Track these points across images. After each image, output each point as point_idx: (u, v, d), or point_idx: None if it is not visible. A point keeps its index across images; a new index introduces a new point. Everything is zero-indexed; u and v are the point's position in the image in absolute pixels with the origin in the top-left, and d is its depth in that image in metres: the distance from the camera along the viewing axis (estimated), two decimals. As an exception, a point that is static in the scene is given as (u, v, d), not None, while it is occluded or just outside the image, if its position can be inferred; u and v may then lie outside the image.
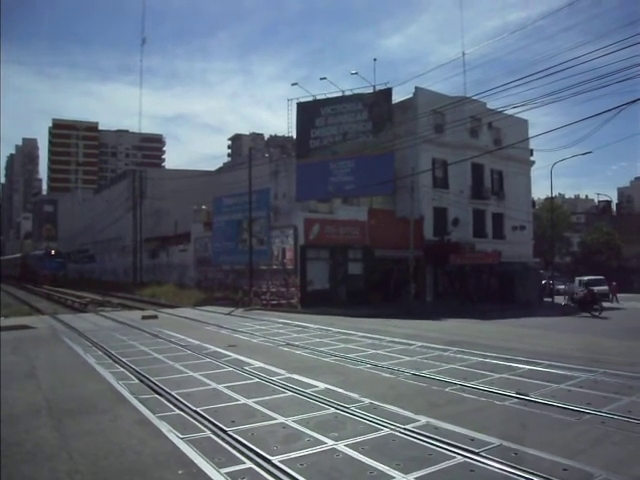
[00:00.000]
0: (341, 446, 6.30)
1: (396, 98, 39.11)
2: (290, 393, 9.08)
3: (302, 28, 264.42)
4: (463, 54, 39.85)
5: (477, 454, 5.96)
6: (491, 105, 32.22)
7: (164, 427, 7.10)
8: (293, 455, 6.00)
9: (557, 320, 27.08)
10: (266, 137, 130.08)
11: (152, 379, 10.10)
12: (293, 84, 40.96)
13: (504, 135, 40.98)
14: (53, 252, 66.13)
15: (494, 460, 5.77)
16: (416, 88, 38.84)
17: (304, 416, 7.58)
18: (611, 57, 17.40)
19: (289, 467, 5.63)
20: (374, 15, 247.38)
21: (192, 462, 5.85)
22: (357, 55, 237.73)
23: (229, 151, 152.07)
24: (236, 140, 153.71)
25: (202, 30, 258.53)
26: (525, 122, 42.60)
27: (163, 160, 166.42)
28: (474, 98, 29.79)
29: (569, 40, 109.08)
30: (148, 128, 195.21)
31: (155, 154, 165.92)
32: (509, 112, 28.01)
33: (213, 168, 71.18)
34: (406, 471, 5.51)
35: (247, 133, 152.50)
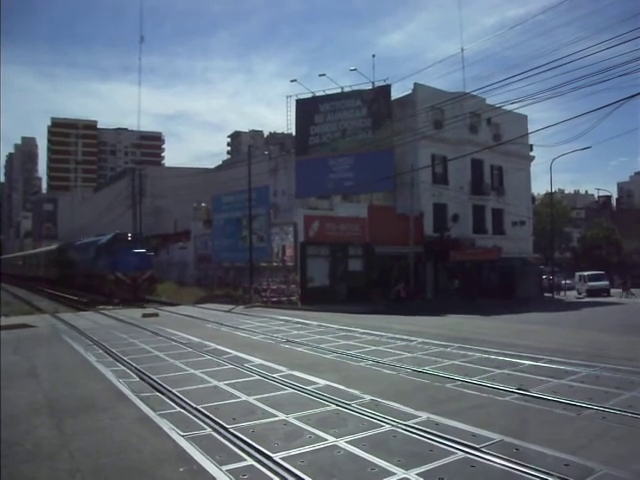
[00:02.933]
0: (342, 443, 6.30)
1: (396, 95, 39.13)
2: (291, 390, 9.08)
3: (303, 26, 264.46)
4: (462, 50, 39.64)
5: (478, 450, 5.96)
6: (490, 101, 32.18)
7: (165, 425, 7.10)
8: (294, 452, 6.01)
9: (557, 315, 27.07)
10: (265, 134, 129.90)
11: (153, 377, 10.10)
12: (292, 81, 40.55)
13: (503, 131, 40.92)
14: (130, 237, 36.14)
15: (495, 456, 5.76)
16: (415, 84, 38.80)
17: (305, 413, 7.58)
18: (611, 51, 17.37)
19: (290, 464, 5.63)
20: (374, 13, 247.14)
21: (193, 459, 5.86)
22: (357, 52, 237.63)
23: (228, 148, 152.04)
24: (235, 137, 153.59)
25: (203, 29, 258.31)
26: (524, 117, 42.49)
27: (163, 158, 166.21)
28: (473, 94, 29.72)
29: (568, 35, 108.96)
30: (149, 126, 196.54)
31: (154, 152, 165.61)
32: (508, 107, 27.98)
33: (213, 166, 71.10)
34: (407, 467, 5.51)
35: (247, 130, 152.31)
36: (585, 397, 8.23)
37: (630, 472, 5.38)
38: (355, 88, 39.56)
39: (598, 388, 8.92)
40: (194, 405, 8.02)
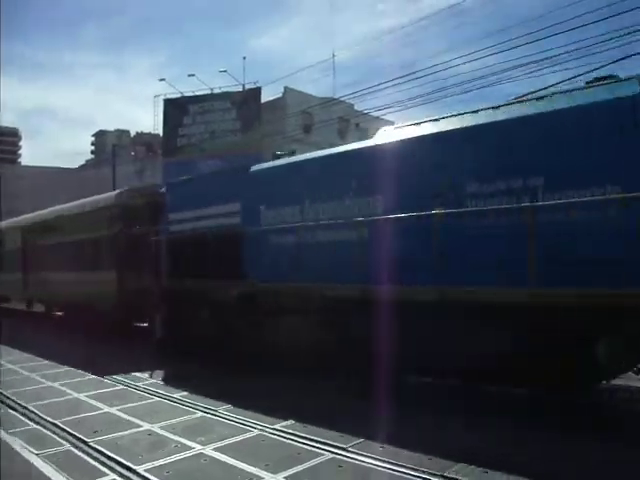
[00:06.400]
0: (209, 450, 6.20)
1: (267, 98, 39.21)
2: (157, 399, 8.81)
3: (177, 25, 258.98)
4: (333, 56, 40.80)
5: (345, 450, 6.07)
6: (359, 107, 33.16)
7: (17, 444, 6.60)
8: (159, 463, 5.82)
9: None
10: (133, 134, 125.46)
11: (4, 392, 9.37)
12: (161, 80, 39.55)
13: (372, 136, 42.26)
14: None
15: (361, 455, 5.89)
16: (285, 88, 39.11)
17: (171, 422, 7.38)
18: (476, 63, 18.42)
19: (154, 475, 5.46)
20: (248, 16, 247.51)
21: (48, 479, 5.50)
22: (233, 54, 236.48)
23: (93, 148, 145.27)
24: (100, 136, 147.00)
25: (71, 19, 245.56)
26: (391, 124, 44.13)
27: (19, 156, 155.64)
28: (342, 99, 30.47)
29: (435, 47, 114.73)
30: (4, 121, 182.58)
31: (10, 149, 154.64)
32: (376, 114, 29.01)
33: (76, 165, 67.71)
34: (275, 471, 5.52)
35: (112, 130, 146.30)
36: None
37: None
38: (227, 90, 39.22)
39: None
40: (52, 420, 7.55)
